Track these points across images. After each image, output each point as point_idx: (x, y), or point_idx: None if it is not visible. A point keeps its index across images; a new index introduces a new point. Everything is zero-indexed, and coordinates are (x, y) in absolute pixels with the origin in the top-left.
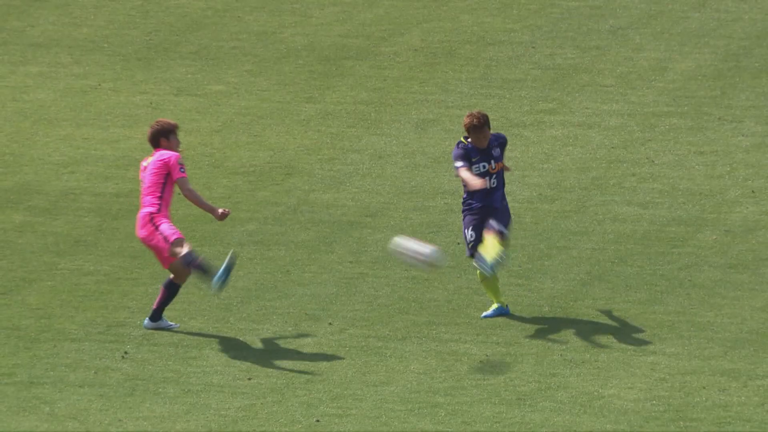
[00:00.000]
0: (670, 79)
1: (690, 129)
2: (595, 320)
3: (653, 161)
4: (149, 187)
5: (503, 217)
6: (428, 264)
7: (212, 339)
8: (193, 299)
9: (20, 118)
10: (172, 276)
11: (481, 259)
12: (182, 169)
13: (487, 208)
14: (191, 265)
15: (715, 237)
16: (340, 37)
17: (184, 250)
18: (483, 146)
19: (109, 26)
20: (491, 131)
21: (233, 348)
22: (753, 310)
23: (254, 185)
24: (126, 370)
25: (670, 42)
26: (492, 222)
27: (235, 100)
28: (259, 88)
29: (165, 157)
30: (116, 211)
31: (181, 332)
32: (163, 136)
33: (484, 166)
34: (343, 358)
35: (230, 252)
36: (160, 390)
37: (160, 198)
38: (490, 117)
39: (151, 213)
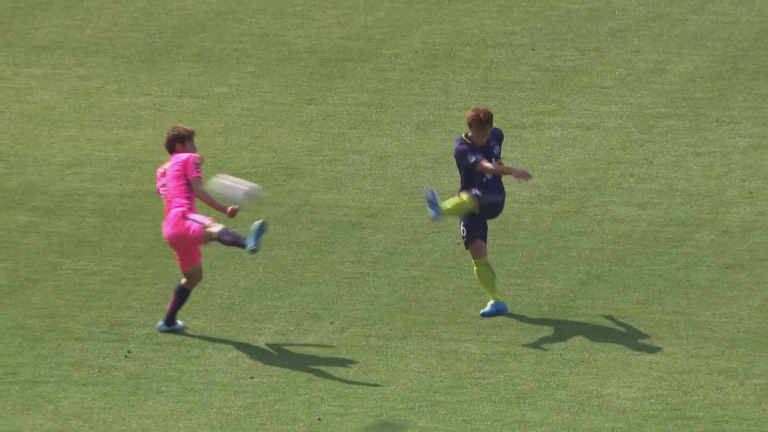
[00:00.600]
0: (668, 80)
1: (688, 130)
2: (594, 320)
3: (651, 162)
4: (175, 189)
5: (494, 204)
6: (248, 198)
7: (215, 338)
8: (196, 299)
9: (24, 119)
10: (183, 281)
11: (433, 202)
12: (198, 169)
13: (482, 198)
14: (225, 237)
15: (712, 237)
16: (342, 40)
17: (217, 227)
18: (482, 143)
19: (112, 28)
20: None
21: (235, 347)
22: (750, 309)
23: None
24: (129, 368)
25: (668, 44)
26: (474, 189)
27: (238, 101)
28: (261, 90)
29: (183, 158)
30: (120, 211)
31: (184, 332)
32: (178, 142)
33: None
34: (345, 357)
35: (259, 221)
36: (163, 389)
37: (188, 198)
38: None
39: (183, 211)
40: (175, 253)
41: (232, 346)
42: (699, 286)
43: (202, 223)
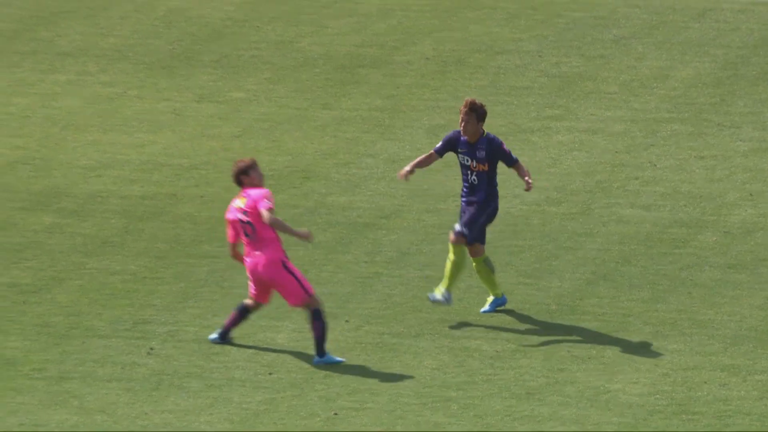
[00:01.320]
0: (671, 86)
1: (690, 134)
2: (601, 318)
3: (655, 165)
4: (263, 229)
5: (476, 212)
6: None
7: (234, 336)
8: (216, 297)
9: (49, 124)
10: (248, 302)
11: (438, 300)
12: (269, 202)
13: (469, 200)
14: (317, 331)
15: (715, 238)
16: (355, 47)
17: (319, 308)
18: (468, 138)
19: (134, 36)
20: (492, 134)
21: (254, 344)
22: (752, 308)
23: (273, 188)
24: (152, 365)
25: (671, 51)
26: (457, 225)
27: (255, 106)
28: (277, 95)
29: (255, 196)
30: (141, 213)
31: (204, 329)
32: (242, 174)
33: (466, 160)
34: (360, 354)
35: (340, 359)
36: (185, 384)
37: (278, 237)
38: (499, 123)
39: (282, 260)
40: (250, 279)
41: (251, 344)
42: (702, 285)
43: (308, 292)
